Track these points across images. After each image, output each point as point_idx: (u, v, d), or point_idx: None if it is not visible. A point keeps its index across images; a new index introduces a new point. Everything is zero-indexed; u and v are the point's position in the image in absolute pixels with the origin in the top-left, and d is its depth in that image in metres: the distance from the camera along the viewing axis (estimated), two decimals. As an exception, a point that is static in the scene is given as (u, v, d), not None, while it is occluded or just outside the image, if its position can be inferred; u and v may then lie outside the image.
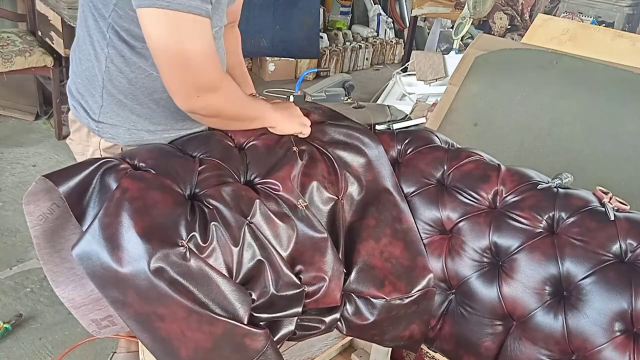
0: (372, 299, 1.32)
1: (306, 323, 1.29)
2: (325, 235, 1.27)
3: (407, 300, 1.34)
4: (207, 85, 1.17)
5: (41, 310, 2.28)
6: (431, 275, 1.37)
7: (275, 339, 1.19)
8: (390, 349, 1.98)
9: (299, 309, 1.21)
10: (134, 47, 1.25)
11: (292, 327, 1.24)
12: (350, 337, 1.79)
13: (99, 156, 1.36)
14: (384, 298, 1.32)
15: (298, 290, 1.20)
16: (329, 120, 1.50)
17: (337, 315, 1.31)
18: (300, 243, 1.23)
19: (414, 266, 1.37)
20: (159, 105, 1.34)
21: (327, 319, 1.30)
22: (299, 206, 1.25)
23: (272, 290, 1.17)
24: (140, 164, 1.18)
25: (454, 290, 1.39)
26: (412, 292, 1.35)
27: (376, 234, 1.37)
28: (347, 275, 1.32)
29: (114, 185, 1.10)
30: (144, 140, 1.36)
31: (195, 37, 1.12)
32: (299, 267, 1.23)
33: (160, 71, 1.16)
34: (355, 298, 1.33)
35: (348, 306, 1.33)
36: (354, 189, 1.40)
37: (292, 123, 1.40)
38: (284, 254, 1.21)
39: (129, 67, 1.28)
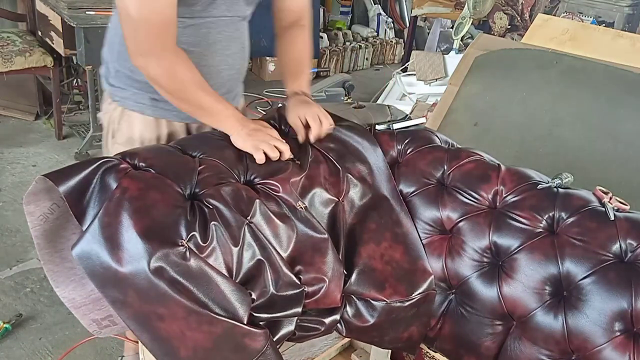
0: (372, 301, 1.32)
1: (306, 324, 1.29)
2: (326, 236, 1.27)
3: (407, 303, 1.34)
4: (143, 48, 1.25)
5: (41, 310, 2.28)
6: (432, 278, 1.37)
7: (275, 339, 1.19)
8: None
9: (299, 309, 1.21)
10: None
11: (291, 328, 1.23)
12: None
13: (112, 126, 1.49)
14: (385, 300, 1.32)
15: (298, 291, 1.20)
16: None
17: (337, 317, 1.31)
18: (300, 243, 1.23)
19: (414, 269, 1.37)
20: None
21: (327, 320, 1.30)
22: (298, 208, 1.25)
23: (272, 290, 1.17)
24: (140, 164, 1.18)
25: (454, 290, 1.38)
26: (413, 295, 1.35)
27: (377, 238, 1.37)
28: (348, 276, 1.31)
29: (114, 185, 1.10)
30: (148, 108, 1.44)
31: (138, 4, 1.20)
32: (298, 268, 1.22)
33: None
34: (356, 300, 1.33)
35: (348, 308, 1.33)
36: (355, 192, 1.40)
37: (247, 141, 1.30)
38: (284, 254, 1.21)
39: None
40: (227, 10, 1.40)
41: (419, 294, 1.35)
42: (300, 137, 1.41)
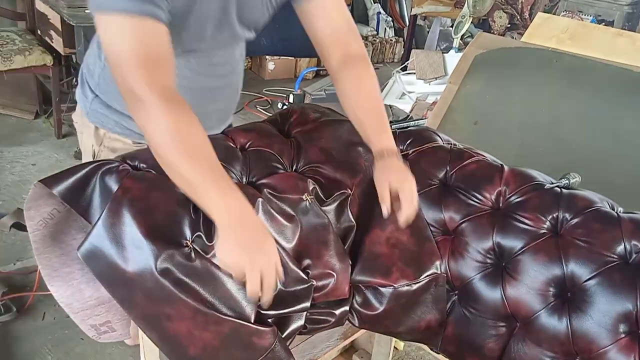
0: (379, 288, 1.30)
1: (316, 317, 1.27)
2: (332, 228, 1.26)
3: (415, 287, 1.32)
4: (129, 92, 1.05)
5: (41, 310, 2.27)
6: (439, 261, 1.34)
7: (284, 335, 1.19)
8: (392, 349, 1.98)
9: (307, 304, 1.19)
10: None
11: (301, 322, 1.22)
12: (352, 339, 1.79)
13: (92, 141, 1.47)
14: (392, 285, 1.30)
15: (306, 286, 1.19)
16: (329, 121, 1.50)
17: (347, 308, 1.30)
18: (305, 237, 1.22)
19: (421, 252, 1.34)
20: None
21: (337, 312, 1.29)
22: (304, 199, 1.24)
23: (279, 286, 1.16)
24: (142, 165, 1.18)
25: (457, 292, 1.38)
26: (421, 277, 1.32)
27: (382, 222, 1.33)
28: (353, 266, 1.30)
29: (115, 187, 1.10)
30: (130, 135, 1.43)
31: (119, 37, 1.05)
32: (307, 262, 1.21)
33: None
34: (363, 288, 1.31)
35: (356, 297, 1.31)
36: (361, 186, 1.38)
37: (235, 254, 1.03)
38: (289, 247, 1.20)
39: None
40: (201, 35, 1.27)
41: (427, 276, 1.33)
42: (385, 210, 1.26)
